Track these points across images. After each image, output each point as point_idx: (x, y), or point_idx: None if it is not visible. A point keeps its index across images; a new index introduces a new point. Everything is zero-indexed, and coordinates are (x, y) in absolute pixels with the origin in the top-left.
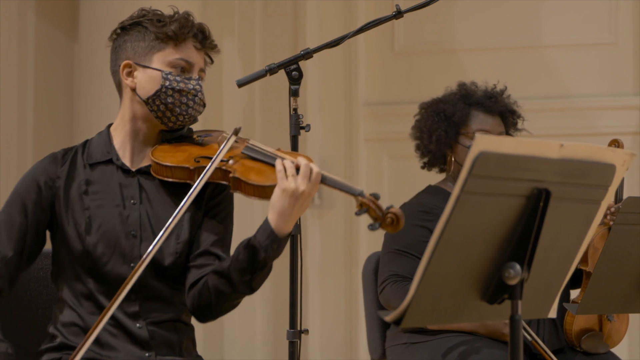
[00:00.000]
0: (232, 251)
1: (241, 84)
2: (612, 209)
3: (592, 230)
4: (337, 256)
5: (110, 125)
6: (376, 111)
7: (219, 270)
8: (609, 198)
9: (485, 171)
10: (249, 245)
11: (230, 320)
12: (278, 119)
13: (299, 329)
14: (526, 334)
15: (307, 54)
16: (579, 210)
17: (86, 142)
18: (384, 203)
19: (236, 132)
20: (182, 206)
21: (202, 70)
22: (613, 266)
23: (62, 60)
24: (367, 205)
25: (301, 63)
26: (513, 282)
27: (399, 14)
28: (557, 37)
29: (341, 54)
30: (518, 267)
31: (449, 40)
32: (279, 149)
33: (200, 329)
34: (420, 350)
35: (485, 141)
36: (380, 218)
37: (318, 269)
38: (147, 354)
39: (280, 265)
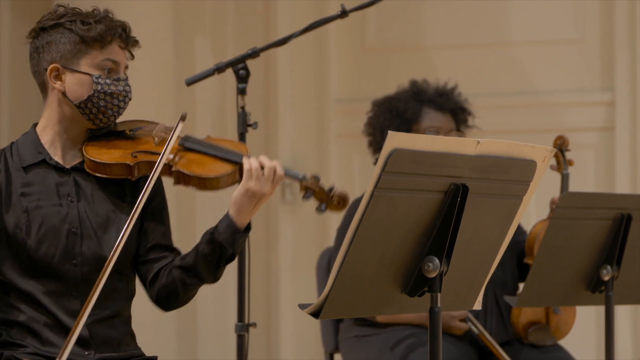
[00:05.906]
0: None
1: (190, 83)
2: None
3: (516, 224)
4: (309, 252)
5: (35, 124)
6: (347, 108)
7: (185, 265)
8: (531, 193)
9: (399, 168)
10: (214, 241)
11: (203, 314)
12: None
13: (246, 322)
14: (473, 327)
15: (254, 53)
16: (500, 205)
17: (12, 144)
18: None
19: (183, 118)
20: (139, 203)
21: (126, 67)
22: (552, 260)
23: None
24: (312, 189)
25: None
26: (432, 275)
27: (344, 13)
28: (525, 34)
29: (312, 51)
30: (437, 260)
31: (419, 37)
32: (208, 137)
33: (173, 325)
34: (370, 343)
35: (398, 138)
36: (325, 199)
37: (291, 264)
38: (86, 352)
39: (255, 258)
